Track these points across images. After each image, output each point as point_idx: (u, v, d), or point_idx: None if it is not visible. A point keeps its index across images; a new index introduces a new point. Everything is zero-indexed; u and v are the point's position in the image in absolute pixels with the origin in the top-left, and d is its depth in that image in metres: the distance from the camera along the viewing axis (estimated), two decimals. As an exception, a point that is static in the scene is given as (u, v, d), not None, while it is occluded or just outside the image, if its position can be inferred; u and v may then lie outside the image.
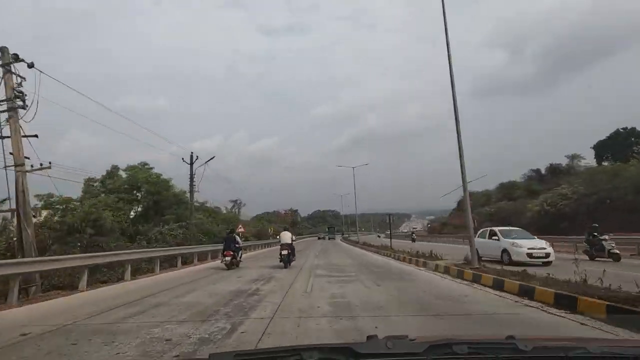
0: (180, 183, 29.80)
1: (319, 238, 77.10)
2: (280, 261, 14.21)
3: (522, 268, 9.08)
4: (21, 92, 10.55)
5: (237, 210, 61.71)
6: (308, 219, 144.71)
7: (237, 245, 14.67)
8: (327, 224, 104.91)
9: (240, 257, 15.04)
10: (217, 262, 17.09)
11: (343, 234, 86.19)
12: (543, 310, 5.82)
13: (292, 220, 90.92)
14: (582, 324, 4.92)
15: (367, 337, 1.29)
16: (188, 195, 26.34)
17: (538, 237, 14.79)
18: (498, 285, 7.91)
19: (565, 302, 5.77)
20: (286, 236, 15.32)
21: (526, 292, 6.84)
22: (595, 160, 48.13)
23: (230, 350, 3.41)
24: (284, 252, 14.18)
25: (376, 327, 4.77)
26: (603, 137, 47.94)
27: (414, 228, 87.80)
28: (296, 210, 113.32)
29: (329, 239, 73.40)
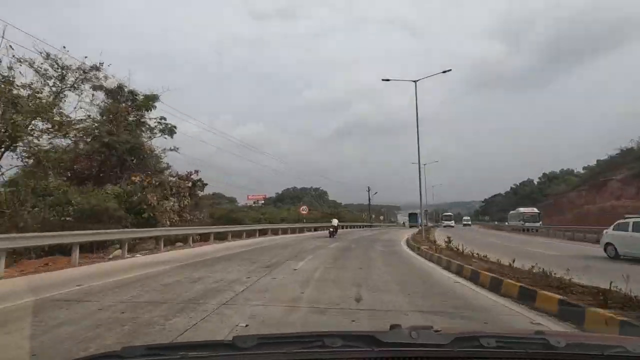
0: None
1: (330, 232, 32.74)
2: (329, 236, 25.95)
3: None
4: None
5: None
6: (276, 200, 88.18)
7: (335, 227, 26.93)
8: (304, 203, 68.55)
9: (336, 233, 27.10)
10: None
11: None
12: None
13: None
14: None
15: (391, 326, 1.26)
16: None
17: None
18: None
19: None
20: (334, 221, 27.71)
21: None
22: None
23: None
24: (331, 229, 26.56)
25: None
26: None
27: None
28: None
29: (412, 226, 55.97)
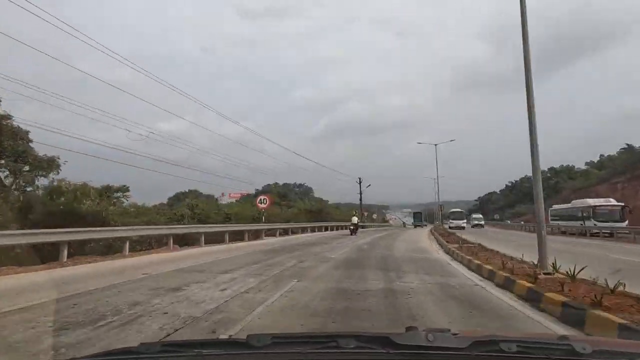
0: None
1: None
2: (350, 233, 25.22)
3: None
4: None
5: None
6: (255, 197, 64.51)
7: (355, 224, 26.96)
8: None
9: (357, 231, 26.64)
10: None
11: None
12: None
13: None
14: None
15: (406, 328, 1.23)
16: None
17: None
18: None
19: None
20: (354, 219, 27.51)
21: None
22: None
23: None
24: (352, 227, 26.21)
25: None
26: None
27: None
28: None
29: (416, 226, 54.45)
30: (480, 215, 57.75)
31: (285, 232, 26.64)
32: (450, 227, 39.50)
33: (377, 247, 16.04)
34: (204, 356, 1.07)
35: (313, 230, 31.71)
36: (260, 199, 25.46)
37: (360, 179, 54.66)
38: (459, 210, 50.05)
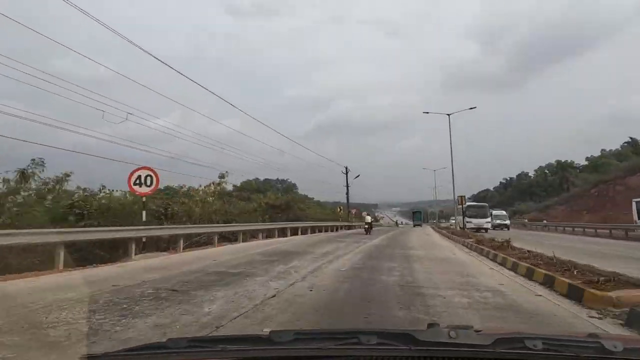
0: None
1: None
2: (365, 232, 24.77)
3: None
4: None
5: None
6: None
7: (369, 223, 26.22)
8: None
9: (371, 230, 25.72)
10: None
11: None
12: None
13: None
14: None
15: (428, 324, 1.20)
16: None
17: None
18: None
19: None
20: (367, 218, 27.42)
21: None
22: None
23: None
24: (366, 226, 25.57)
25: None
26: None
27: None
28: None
29: (415, 225, 51.19)
30: (504, 213, 38.84)
31: (224, 238, 16.63)
32: (470, 228, 28.01)
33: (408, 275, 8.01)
34: (229, 351, 1.09)
35: (284, 233, 22.08)
36: (138, 178, 12.17)
37: (347, 168, 44.50)
38: (481, 204, 35.16)
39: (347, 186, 44.07)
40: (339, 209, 44.80)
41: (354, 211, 49.16)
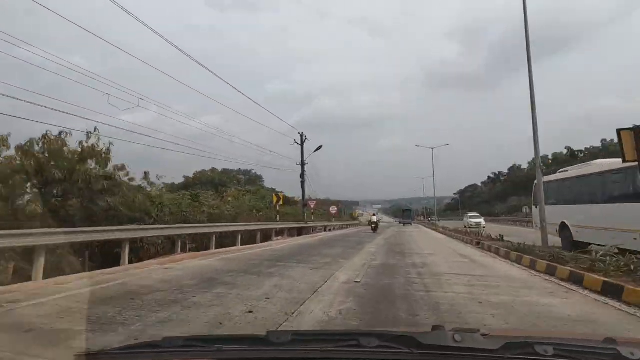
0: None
1: None
2: (372, 230, 26.54)
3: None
4: None
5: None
6: (183, 187, 42.81)
7: (375, 223, 27.83)
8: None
9: (377, 229, 27.45)
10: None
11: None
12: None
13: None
14: None
15: (433, 327, 1.16)
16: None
17: None
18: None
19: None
20: (374, 218, 28.90)
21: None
22: None
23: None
24: (373, 225, 27.38)
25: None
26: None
27: None
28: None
29: (405, 224, 49.50)
30: (477, 214, 43.67)
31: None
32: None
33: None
34: (224, 352, 1.08)
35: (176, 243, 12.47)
36: None
37: (302, 134, 28.31)
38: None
39: (303, 164, 28.11)
40: (275, 198, 25.71)
41: (312, 204, 30.76)
